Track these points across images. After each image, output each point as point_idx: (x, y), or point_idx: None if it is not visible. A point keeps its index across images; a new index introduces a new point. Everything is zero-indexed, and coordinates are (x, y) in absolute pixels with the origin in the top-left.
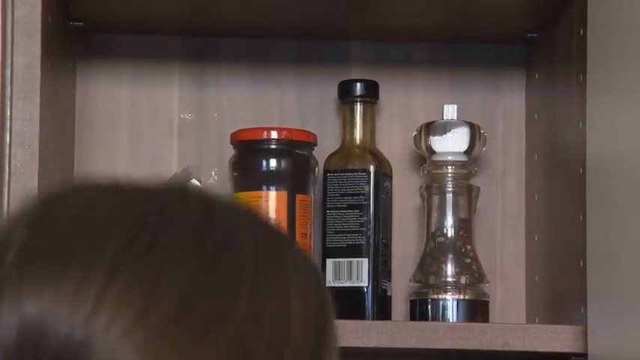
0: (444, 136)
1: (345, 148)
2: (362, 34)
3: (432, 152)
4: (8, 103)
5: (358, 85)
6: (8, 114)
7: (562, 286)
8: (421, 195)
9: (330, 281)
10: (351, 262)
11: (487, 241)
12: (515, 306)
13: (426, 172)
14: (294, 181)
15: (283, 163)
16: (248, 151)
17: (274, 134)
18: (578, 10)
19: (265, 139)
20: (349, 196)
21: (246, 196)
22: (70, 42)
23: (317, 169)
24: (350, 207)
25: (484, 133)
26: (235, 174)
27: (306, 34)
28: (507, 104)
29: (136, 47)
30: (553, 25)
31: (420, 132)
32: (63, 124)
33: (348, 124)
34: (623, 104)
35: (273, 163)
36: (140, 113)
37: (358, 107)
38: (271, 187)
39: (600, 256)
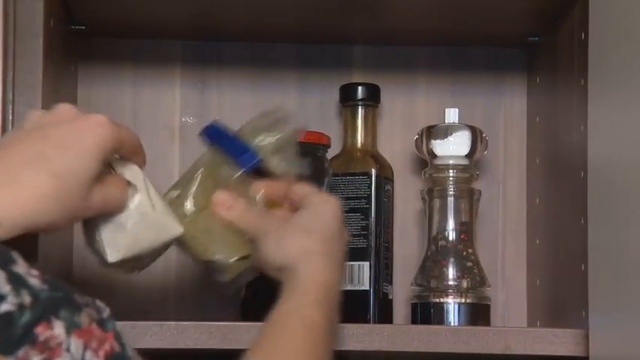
0: (445, 139)
1: (347, 152)
2: (363, 37)
3: (434, 156)
4: (10, 106)
5: (359, 88)
6: (10, 117)
7: (563, 289)
8: (422, 198)
9: None
10: (352, 265)
11: (488, 244)
12: (517, 310)
13: (427, 175)
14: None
15: None
16: None
17: None
18: (579, 14)
19: None
20: (351, 199)
21: None
22: (71, 46)
23: (331, 170)
24: (351, 210)
25: (485, 136)
26: None
27: (307, 37)
28: (509, 108)
29: (137, 51)
30: (554, 29)
31: (421, 135)
32: None
33: (349, 127)
34: (624, 108)
35: None
36: (141, 117)
37: (360, 111)
38: None
39: (602, 260)
